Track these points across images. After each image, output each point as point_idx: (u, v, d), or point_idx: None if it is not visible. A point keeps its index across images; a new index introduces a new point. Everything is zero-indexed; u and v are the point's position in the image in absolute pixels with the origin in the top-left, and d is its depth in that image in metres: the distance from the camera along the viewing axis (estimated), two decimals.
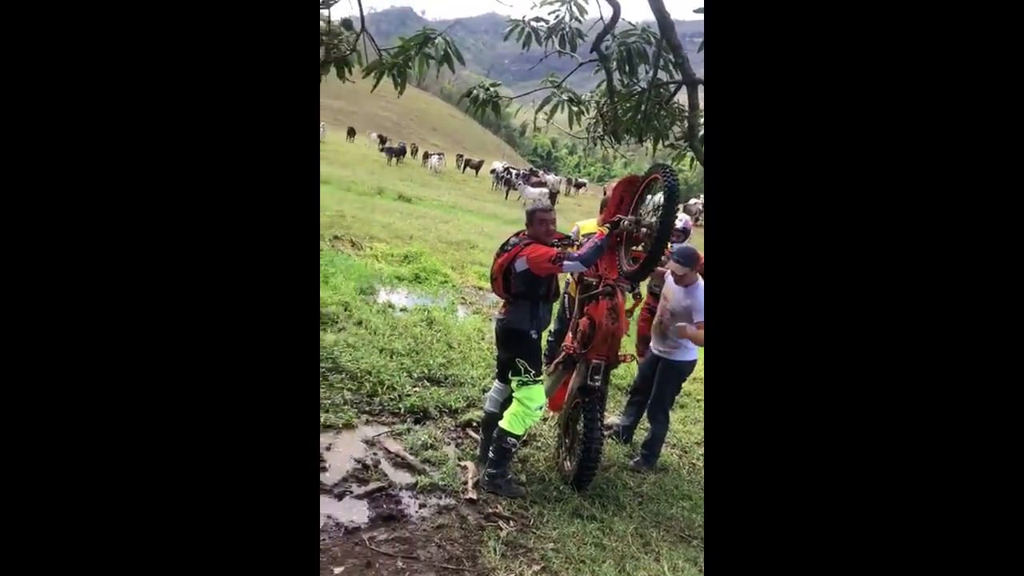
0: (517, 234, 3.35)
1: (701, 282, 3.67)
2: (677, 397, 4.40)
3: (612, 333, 3.32)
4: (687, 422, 4.73)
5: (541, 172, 34.41)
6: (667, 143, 3.94)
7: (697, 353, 3.87)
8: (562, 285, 3.87)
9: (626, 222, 3.19)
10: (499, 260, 3.26)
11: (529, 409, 3.19)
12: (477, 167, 32.30)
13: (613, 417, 4.48)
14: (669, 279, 3.85)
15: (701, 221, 27.73)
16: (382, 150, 28.61)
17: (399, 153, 28.01)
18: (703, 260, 3.87)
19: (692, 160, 3.86)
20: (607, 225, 3.24)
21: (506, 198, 24.98)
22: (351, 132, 33.86)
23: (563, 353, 3.59)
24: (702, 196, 33.15)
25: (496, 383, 3.48)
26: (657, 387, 3.88)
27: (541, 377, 3.29)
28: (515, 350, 3.23)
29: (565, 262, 3.00)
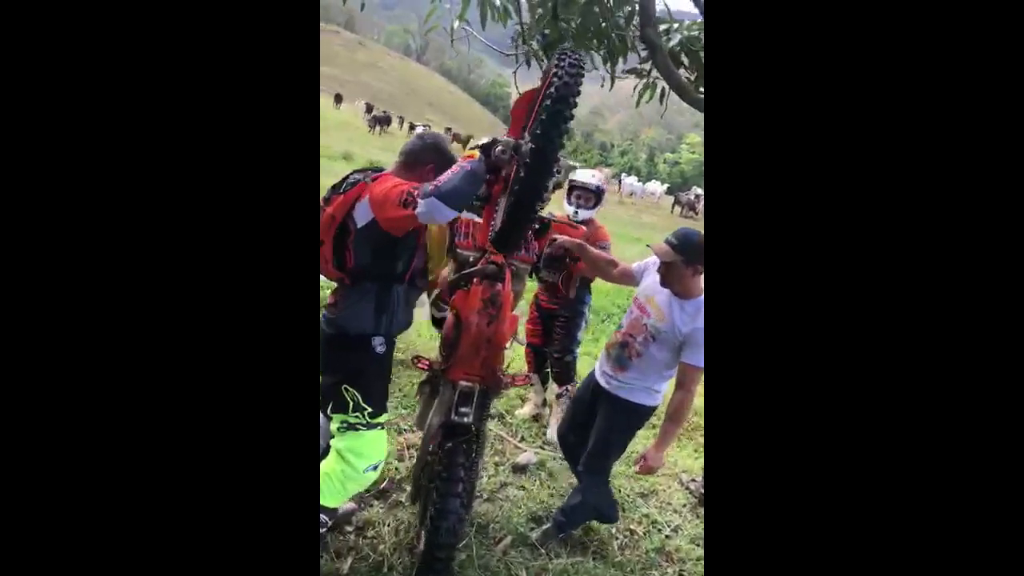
0: (363, 170, 2.03)
1: (702, 299, 2.21)
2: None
3: (487, 339, 2.02)
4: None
5: None
6: (626, 69, 2.69)
7: (663, 396, 2.39)
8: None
9: (499, 147, 1.78)
10: (328, 209, 1.89)
11: (354, 470, 1.94)
12: (464, 142, 31.02)
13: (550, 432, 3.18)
14: (651, 279, 2.35)
15: (699, 209, 25.82)
16: (367, 118, 27.06)
17: (384, 122, 26.52)
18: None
19: (664, 91, 2.60)
20: (476, 147, 1.84)
21: None
22: (338, 98, 32.17)
23: (426, 368, 2.28)
24: (695, 188, 31.30)
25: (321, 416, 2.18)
26: (600, 432, 2.42)
27: (381, 419, 2.00)
28: (341, 369, 1.94)
29: (419, 200, 1.67)
